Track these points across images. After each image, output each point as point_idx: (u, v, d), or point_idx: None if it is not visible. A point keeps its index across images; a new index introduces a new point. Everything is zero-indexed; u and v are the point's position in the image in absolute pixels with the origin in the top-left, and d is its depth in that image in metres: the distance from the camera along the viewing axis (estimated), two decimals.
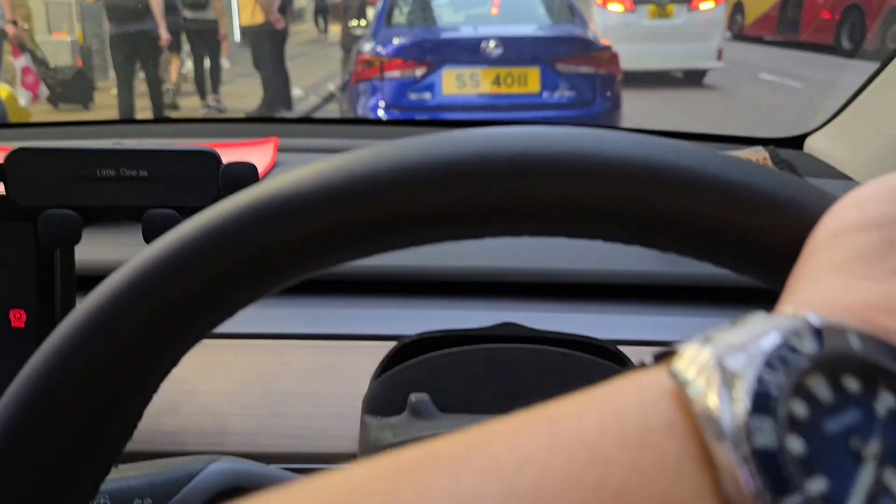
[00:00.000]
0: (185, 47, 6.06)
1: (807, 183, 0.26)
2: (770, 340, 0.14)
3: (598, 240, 0.27)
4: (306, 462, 0.54)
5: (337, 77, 6.62)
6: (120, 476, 0.46)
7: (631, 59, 5.26)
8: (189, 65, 6.25)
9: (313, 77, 7.10)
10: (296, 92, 6.04)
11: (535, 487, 0.13)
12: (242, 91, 6.20)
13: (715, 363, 0.14)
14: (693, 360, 0.15)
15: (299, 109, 5.95)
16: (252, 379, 0.58)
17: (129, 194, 0.44)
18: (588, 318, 0.65)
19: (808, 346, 0.14)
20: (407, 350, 0.53)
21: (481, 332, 0.53)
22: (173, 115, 5.85)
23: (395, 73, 4.26)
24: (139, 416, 0.25)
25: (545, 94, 4.26)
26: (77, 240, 0.45)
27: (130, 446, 0.26)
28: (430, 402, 0.48)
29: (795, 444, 0.13)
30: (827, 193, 0.24)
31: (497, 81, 4.27)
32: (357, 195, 0.24)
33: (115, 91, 5.39)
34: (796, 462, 0.13)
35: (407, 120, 3.56)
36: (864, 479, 0.13)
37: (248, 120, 3.13)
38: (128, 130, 1.10)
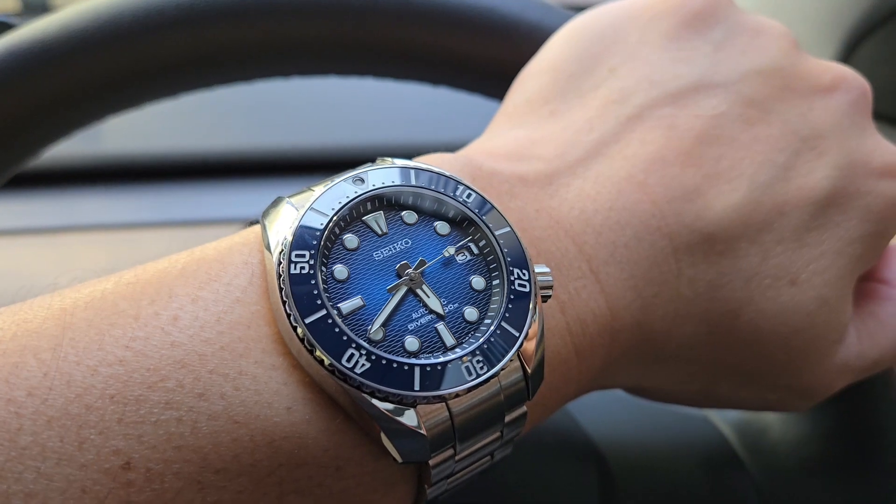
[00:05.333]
0: None
1: (552, 11, 0.26)
2: (335, 183, 0.16)
3: (349, 75, 0.28)
4: None
5: None
6: None
7: None
8: None
9: None
10: None
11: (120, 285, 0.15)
12: None
13: (285, 207, 0.16)
14: (277, 208, 0.16)
15: None
16: (107, 270, 0.59)
17: None
18: None
19: (365, 187, 0.16)
20: None
21: None
22: None
23: None
24: None
25: None
26: None
27: None
28: None
29: (341, 271, 0.15)
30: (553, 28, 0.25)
31: None
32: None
33: None
34: (336, 286, 0.15)
35: None
36: (398, 293, 0.15)
37: None
38: None
